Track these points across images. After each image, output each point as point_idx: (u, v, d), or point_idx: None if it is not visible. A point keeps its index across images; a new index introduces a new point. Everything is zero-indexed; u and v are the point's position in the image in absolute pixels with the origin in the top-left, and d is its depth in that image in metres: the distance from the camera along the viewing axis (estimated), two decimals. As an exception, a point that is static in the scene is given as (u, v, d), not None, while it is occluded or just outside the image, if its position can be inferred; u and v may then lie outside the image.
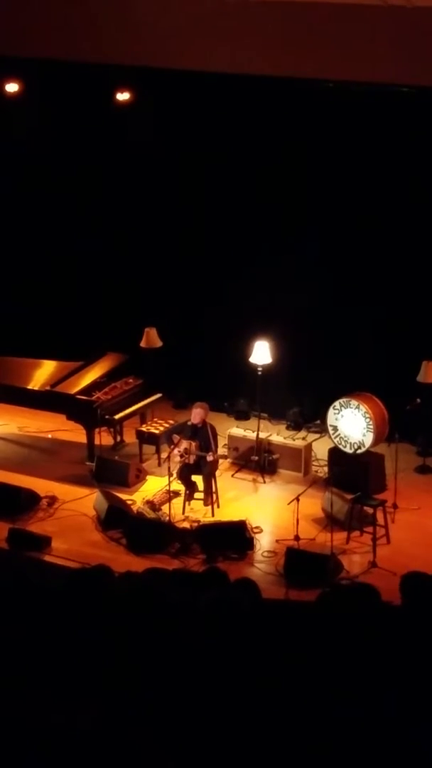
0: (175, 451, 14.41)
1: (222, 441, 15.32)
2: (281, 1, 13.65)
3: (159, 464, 15.48)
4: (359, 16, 13.26)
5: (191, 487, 14.50)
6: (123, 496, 14.57)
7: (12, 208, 18.01)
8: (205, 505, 14.42)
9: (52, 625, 7.69)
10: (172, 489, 14.39)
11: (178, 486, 14.50)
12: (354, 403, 14.63)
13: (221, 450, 15.06)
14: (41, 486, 14.84)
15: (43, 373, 16.15)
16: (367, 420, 14.51)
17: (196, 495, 14.52)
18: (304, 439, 15.81)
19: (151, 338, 16.44)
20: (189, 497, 14.49)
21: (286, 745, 6.41)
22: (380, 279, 15.54)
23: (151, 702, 6.88)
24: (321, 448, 15.53)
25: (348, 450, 14.74)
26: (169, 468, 14.32)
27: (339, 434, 14.81)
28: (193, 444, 14.36)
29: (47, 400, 15.79)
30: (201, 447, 14.36)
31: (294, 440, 15.64)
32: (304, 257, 15.73)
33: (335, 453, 14.99)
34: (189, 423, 14.62)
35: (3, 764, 6.24)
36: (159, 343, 16.45)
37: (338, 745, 6.29)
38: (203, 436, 14.38)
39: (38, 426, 16.66)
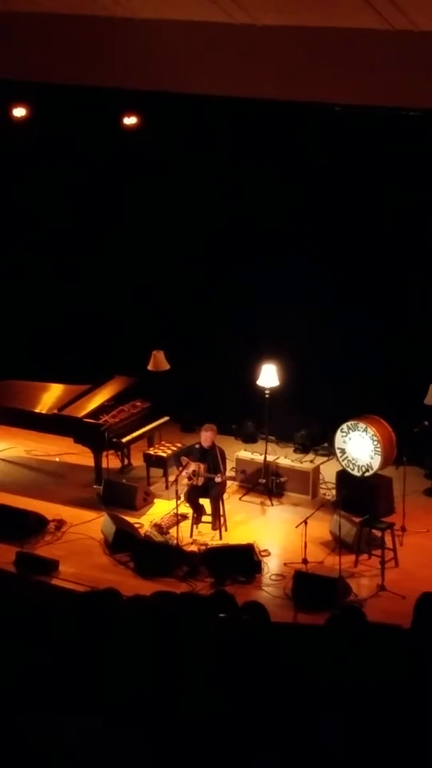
0: (184, 473, 14.40)
1: (230, 464, 15.30)
2: (288, 26, 13.69)
3: (166, 487, 15.47)
4: (367, 40, 13.29)
5: (199, 510, 14.48)
6: (131, 520, 14.56)
7: (19, 230, 18.06)
8: (213, 528, 14.40)
9: (62, 648, 7.68)
10: (179, 512, 14.37)
11: (185, 509, 14.48)
12: (362, 425, 14.62)
13: (229, 473, 15.03)
14: (49, 509, 14.83)
15: (50, 396, 16.16)
16: (375, 443, 14.50)
17: (204, 518, 14.50)
18: (311, 461, 15.79)
19: (159, 361, 16.44)
20: (197, 520, 14.47)
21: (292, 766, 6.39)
22: (388, 302, 15.55)
23: (159, 724, 6.85)
24: (329, 471, 15.50)
25: (356, 473, 14.72)
26: (176, 491, 14.30)
27: (347, 457, 14.79)
28: (202, 466, 14.35)
29: (55, 424, 15.79)
30: (209, 469, 14.35)
31: (302, 463, 15.63)
32: (312, 280, 15.76)
33: (343, 476, 14.97)
34: (197, 446, 14.61)
35: None
36: (166, 366, 16.45)
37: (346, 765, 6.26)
38: (212, 459, 14.38)
39: (45, 449, 16.66)
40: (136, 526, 14.44)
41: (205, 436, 14.53)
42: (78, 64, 15.36)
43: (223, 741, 6.57)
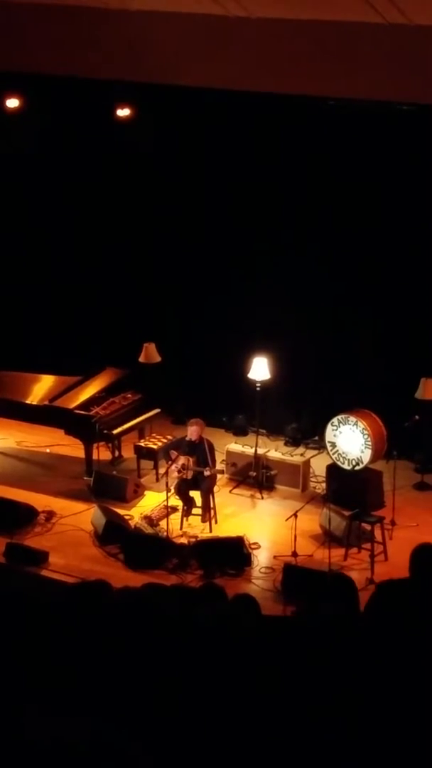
0: (173, 466, 14.41)
1: (220, 456, 15.31)
2: (282, 19, 13.69)
3: (157, 479, 15.48)
4: (360, 33, 13.29)
5: (189, 503, 14.49)
6: (121, 511, 14.56)
7: (12, 222, 18.03)
8: (203, 521, 14.41)
9: (51, 639, 7.67)
10: (169, 504, 14.38)
11: (175, 501, 14.48)
12: (352, 419, 14.64)
13: (219, 466, 15.04)
14: (39, 500, 14.83)
15: (41, 387, 16.15)
16: (366, 436, 14.51)
17: (194, 510, 14.50)
18: (302, 455, 15.80)
19: (150, 353, 16.44)
20: (187, 513, 14.48)
21: (285, 761, 6.39)
22: (379, 296, 15.57)
23: (149, 718, 6.86)
24: (319, 465, 15.52)
25: (346, 466, 14.74)
26: (167, 483, 14.31)
27: (337, 450, 14.81)
28: (191, 459, 14.36)
29: (46, 415, 15.79)
30: (199, 462, 14.36)
31: (292, 456, 15.64)
32: (304, 273, 15.77)
33: (333, 469, 14.99)
34: (186, 439, 14.62)
35: None
36: (158, 358, 16.46)
37: (338, 759, 6.26)
38: (201, 452, 14.39)
39: (36, 440, 16.66)
40: (126, 518, 14.45)
41: (192, 431, 14.53)
42: (71, 55, 15.33)
43: (215, 735, 6.58)
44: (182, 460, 14.37)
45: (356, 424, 14.59)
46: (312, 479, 15.49)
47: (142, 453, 15.73)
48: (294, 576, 12.88)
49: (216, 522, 14.47)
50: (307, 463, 15.47)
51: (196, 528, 14.34)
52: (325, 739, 6.43)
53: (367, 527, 13.58)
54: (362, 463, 14.59)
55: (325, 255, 15.76)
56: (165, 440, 15.78)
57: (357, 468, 14.61)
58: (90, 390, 16.00)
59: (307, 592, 12.49)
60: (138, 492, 15.23)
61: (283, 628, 8.53)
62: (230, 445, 15.84)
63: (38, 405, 15.84)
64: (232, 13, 13.89)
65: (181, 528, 14.30)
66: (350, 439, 14.65)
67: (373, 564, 13.05)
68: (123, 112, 15.87)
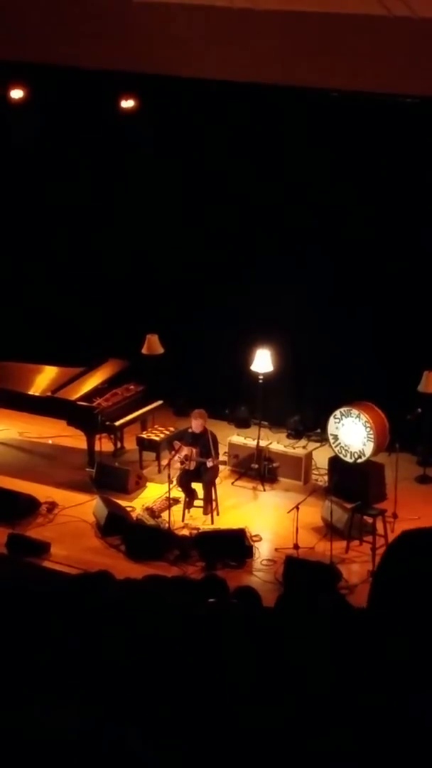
0: (176, 457, 14.41)
1: (222, 448, 15.31)
2: (287, 11, 13.68)
3: (159, 471, 15.48)
4: (365, 26, 13.28)
5: (191, 495, 14.50)
6: (123, 503, 14.57)
7: (15, 213, 18.02)
8: (205, 513, 14.42)
9: (52, 631, 7.68)
10: (171, 496, 14.39)
11: (177, 493, 14.49)
12: (355, 412, 14.64)
13: (221, 457, 15.03)
14: (41, 491, 14.84)
15: (44, 378, 16.16)
16: (368, 429, 14.51)
17: (196, 502, 14.51)
18: (304, 447, 15.80)
19: (153, 345, 16.44)
20: (189, 504, 14.49)
21: (285, 755, 6.39)
22: (382, 288, 15.55)
23: (149, 709, 6.86)
24: (321, 457, 15.52)
25: (348, 459, 14.74)
26: (169, 475, 14.32)
27: (339, 443, 14.81)
28: (194, 450, 14.36)
29: (48, 406, 15.79)
30: (201, 454, 14.36)
31: (294, 449, 15.64)
32: (306, 265, 15.75)
33: (335, 462, 14.99)
34: (189, 430, 14.62)
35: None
36: (160, 350, 16.46)
37: (340, 754, 6.26)
38: (203, 444, 14.39)
39: (39, 431, 16.66)
40: (128, 509, 14.46)
41: (196, 424, 14.52)
42: (76, 46, 15.31)
43: (215, 728, 6.59)
44: (185, 450, 14.37)
45: (359, 417, 14.60)
46: (314, 472, 15.50)
47: (145, 444, 15.73)
48: (295, 568, 12.89)
49: (218, 514, 14.48)
50: (309, 456, 15.48)
51: (197, 520, 14.35)
52: (326, 733, 6.43)
53: (369, 520, 13.58)
54: (364, 455, 14.59)
55: (328, 247, 15.73)
56: (167, 432, 15.78)
57: (359, 461, 14.61)
58: (92, 381, 16.01)
59: (308, 584, 12.53)
60: (140, 483, 15.24)
61: (282, 619, 8.55)
62: (232, 437, 15.84)
63: (41, 396, 15.85)
64: (236, 5, 13.88)
65: (182, 519, 14.32)
66: (352, 432, 14.66)
67: (375, 557, 13.05)
68: (127, 104, 15.85)
